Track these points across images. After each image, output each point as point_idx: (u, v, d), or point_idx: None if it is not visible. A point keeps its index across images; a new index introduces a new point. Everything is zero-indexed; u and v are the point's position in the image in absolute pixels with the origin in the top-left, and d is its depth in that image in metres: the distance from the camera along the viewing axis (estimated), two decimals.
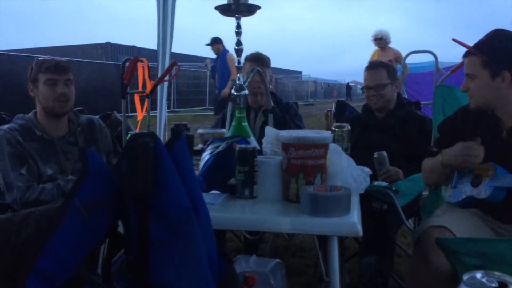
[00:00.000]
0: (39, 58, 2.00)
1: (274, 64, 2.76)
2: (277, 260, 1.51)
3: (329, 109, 2.84)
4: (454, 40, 1.83)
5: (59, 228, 0.83)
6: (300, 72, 48.77)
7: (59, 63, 1.97)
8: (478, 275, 0.61)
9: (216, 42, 7.29)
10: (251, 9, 1.82)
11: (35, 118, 2.00)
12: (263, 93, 2.49)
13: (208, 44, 7.37)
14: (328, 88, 49.85)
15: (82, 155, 0.86)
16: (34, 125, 1.97)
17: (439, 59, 4.00)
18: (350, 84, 41.15)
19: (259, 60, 2.61)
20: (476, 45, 1.65)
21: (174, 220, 0.87)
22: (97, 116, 2.29)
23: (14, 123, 1.97)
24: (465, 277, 0.61)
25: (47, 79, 1.94)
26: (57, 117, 2.02)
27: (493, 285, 0.59)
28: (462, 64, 1.69)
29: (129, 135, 1.18)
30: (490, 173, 1.55)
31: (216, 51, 7.37)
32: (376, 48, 6.51)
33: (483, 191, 1.57)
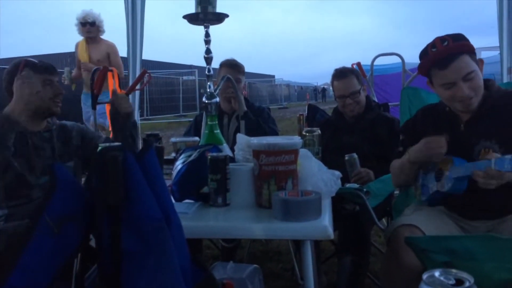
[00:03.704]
0: (28, 60, 1.98)
1: (247, 69, 2.78)
2: (254, 265, 1.52)
3: (301, 112, 2.88)
4: None
5: (30, 244, 0.83)
6: (273, 76, 49.11)
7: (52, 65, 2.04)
8: (437, 273, 0.63)
9: None
10: (219, 18, 1.83)
11: (12, 113, 1.94)
12: (236, 98, 2.51)
13: None
14: (301, 91, 50.45)
15: (49, 170, 0.86)
16: (10, 117, 1.92)
17: (411, 60, 4.05)
18: (324, 87, 41.96)
19: (235, 67, 2.64)
20: (454, 44, 1.61)
21: (146, 231, 0.88)
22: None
23: None
24: (425, 276, 0.64)
25: (45, 79, 1.95)
26: (44, 117, 1.99)
27: (451, 282, 0.62)
28: None
29: (100, 148, 1.16)
30: (449, 166, 1.60)
31: None
32: (81, 39, 4.64)
33: (445, 184, 1.62)
